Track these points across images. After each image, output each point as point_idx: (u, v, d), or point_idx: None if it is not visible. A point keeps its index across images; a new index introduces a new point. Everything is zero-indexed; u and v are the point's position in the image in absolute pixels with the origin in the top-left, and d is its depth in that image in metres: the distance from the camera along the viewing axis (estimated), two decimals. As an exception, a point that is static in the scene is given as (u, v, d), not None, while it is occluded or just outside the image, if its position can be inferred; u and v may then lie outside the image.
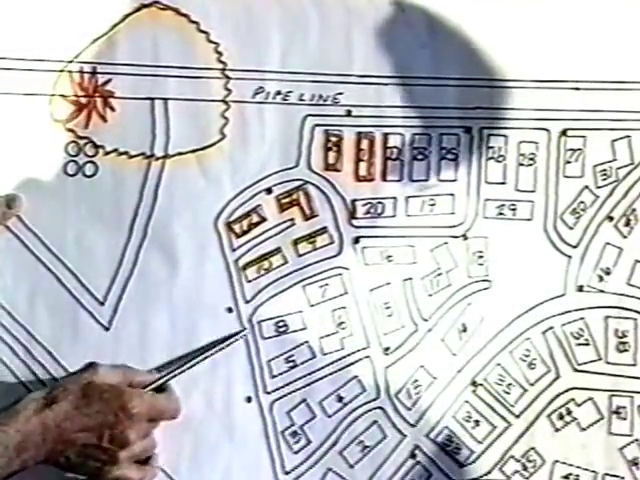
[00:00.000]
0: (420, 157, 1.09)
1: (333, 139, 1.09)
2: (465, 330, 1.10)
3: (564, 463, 1.10)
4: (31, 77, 1.07)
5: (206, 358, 1.07)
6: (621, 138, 1.09)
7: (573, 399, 1.10)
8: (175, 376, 1.07)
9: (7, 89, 1.07)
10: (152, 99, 1.08)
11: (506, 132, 1.09)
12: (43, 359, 1.08)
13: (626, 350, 1.10)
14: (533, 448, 1.10)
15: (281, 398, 1.10)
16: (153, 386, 1.06)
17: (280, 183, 1.09)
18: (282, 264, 1.09)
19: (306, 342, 1.09)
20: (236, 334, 1.08)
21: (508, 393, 1.10)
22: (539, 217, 1.10)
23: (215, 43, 1.08)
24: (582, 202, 1.09)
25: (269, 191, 1.09)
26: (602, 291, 1.10)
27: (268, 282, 1.09)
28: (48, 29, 1.07)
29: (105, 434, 1.01)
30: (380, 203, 1.09)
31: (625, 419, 1.10)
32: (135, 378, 1.06)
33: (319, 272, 1.10)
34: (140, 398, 1.03)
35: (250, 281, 1.09)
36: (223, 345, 1.08)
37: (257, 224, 1.09)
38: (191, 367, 1.07)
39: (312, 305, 1.10)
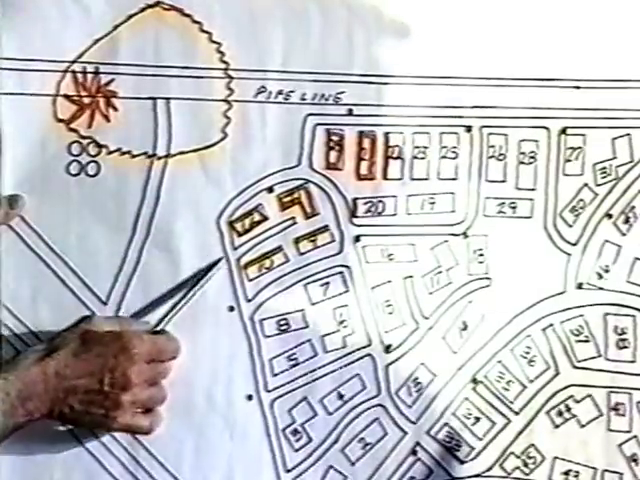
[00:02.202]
0: (421, 156, 1.10)
1: (334, 138, 1.09)
2: (466, 328, 1.10)
3: (564, 459, 1.10)
4: (34, 77, 1.07)
5: (194, 294, 1.07)
6: (621, 136, 1.09)
7: (572, 396, 1.10)
8: (170, 319, 1.07)
9: (10, 89, 1.07)
10: (155, 99, 1.08)
11: (506, 130, 1.10)
12: (47, 359, 1.08)
13: (626, 347, 1.10)
14: (533, 445, 1.10)
15: (282, 396, 1.10)
16: (150, 330, 1.07)
17: (281, 182, 1.09)
18: (283, 262, 1.10)
19: (308, 340, 1.09)
20: (214, 264, 1.08)
21: (508, 390, 1.10)
22: (539, 215, 1.10)
23: (217, 43, 1.08)
24: (581, 200, 1.10)
25: (270, 190, 1.09)
26: (601, 288, 1.10)
27: (269, 281, 1.10)
28: (51, 29, 1.07)
29: (106, 378, 1.01)
30: (381, 202, 1.10)
31: (624, 415, 1.10)
32: (131, 326, 1.06)
33: (320, 270, 1.10)
34: (139, 338, 1.04)
35: (251, 280, 1.09)
36: (206, 277, 1.08)
37: (259, 223, 1.09)
38: (183, 307, 1.07)
39: (313, 303, 1.10)
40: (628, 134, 1.09)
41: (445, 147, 1.10)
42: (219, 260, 1.08)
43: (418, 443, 1.10)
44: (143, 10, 1.08)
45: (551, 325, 1.10)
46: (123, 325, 1.06)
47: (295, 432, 1.10)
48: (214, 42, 1.08)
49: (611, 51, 1.09)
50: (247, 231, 1.09)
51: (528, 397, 1.10)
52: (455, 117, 1.09)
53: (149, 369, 1.04)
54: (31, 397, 0.99)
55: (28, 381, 0.99)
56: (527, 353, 1.10)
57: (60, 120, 1.08)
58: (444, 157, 1.10)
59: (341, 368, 1.10)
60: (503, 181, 1.10)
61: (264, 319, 1.09)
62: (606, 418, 1.10)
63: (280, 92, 1.09)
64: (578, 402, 1.10)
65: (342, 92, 1.09)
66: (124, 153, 1.08)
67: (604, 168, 1.10)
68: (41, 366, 1.00)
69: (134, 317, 1.08)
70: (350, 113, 1.09)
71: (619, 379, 1.10)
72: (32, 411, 1.00)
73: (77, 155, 1.08)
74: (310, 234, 1.10)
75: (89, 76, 1.08)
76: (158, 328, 1.07)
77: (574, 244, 1.10)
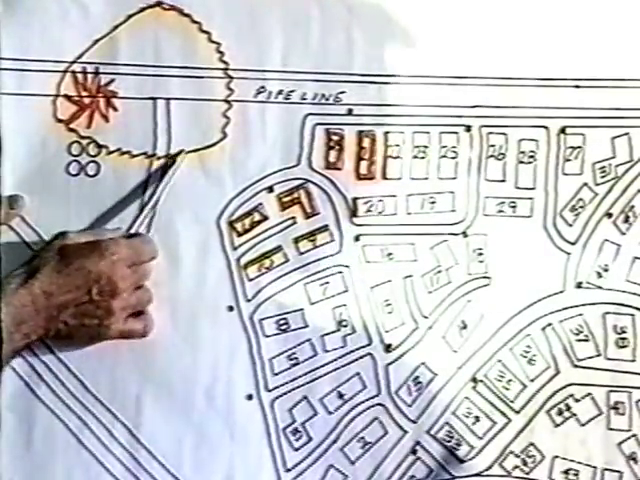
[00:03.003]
0: (420, 155, 1.10)
1: (334, 138, 1.09)
2: (465, 327, 1.10)
3: (563, 458, 1.10)
4: (34, 77, 1.07)
5: (162, 192, 1.07)
6: (620, 135, 1.10)
7: (572, 395, 1.10)
8: (142, 221, 1.07)
9: (10, 89, 1.07)
10: (154, 99, 1.08)
11: (506, 130, 1.10)
12: (47, 359, 1.08)
13: (625, 346, 1.10)
14: (532, 444, 1.11)
15: (282, 395, 1.10)
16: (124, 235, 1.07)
17: (281, 182, 1.09)
18: (283, 262, 1.10)
19: (307, 340, 1.10)
20: (175, 156, 1.08)
21: (508, 389, 1.10)
22: (539, 214, 1.10)
23: (217, 43, 1.08)
24: (581, 199, 1.10)
25: (270, 190, 1.09)
26: (600, 287, 1.10)
27: (269, 280, 1.10)
28: (51, 29, 1.07)
29: (93, 287, 1.02)
30: (381, 201, 1.10)
31: (623, 414, 1.10)
32: (106, 235, 1.06)
33: (320, 270, 1.10)
34: (116, 244, 1.04)
35: (251, 279, 1.10)
36: (170, 173, 1.08)
37: (258, 222, 1.09)
38: (154, 207, 1.07)
39: (313, 303, 1.10)
40: (627, 133, 1.09)
41: (445, 147, 1.10)
42: (180, 152, 1.08)
43: (418, 442, 1.10)
44: (142, 10, 1.08)
45: (550, 324, 1.10)
46: (97, 235, 1.06)
47: (295, 431, 1.10)
48: (214, 42, 1.08)
49: (611, 51, 1.09)
50: (247, 231, 1.09)
51: (528, 396, 1.11)
52: (455, 117, 1.09)
53: (132, 272, 1.05)
54: (25, 320, 1.00)
55: (18, 305, 0.99)
56: (527, 352, 1.10)
57: (60, 120, 1.08)
58: (444, 156, 1.10)
59: (341, 367, 1.10)
60: (503, 180, 1.10)
61: (264, 319, 1.09)
62: (606, 417, 1.10)
63: (280, 92, 1.09)
64: (578, 401, 1.10)
65: (342, 92, 1.09)
66: (124, 153, 1.08)
67: (603, 167, 1.10)
68: (27, 288, 1.00)
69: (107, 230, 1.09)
70: (350, 113, 1.09)
71: (619, 378, 1.10)
72: (29, 333, 1.01)
73: (77, 155, 1.08)
74: (310, 234, 1.10)
75: (89, 76, 1.08)
76: (132, 231, 1.07)
77: (574, 243, 1.10)
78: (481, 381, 1.10)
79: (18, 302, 0.99)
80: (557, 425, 1.10)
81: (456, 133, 1.10)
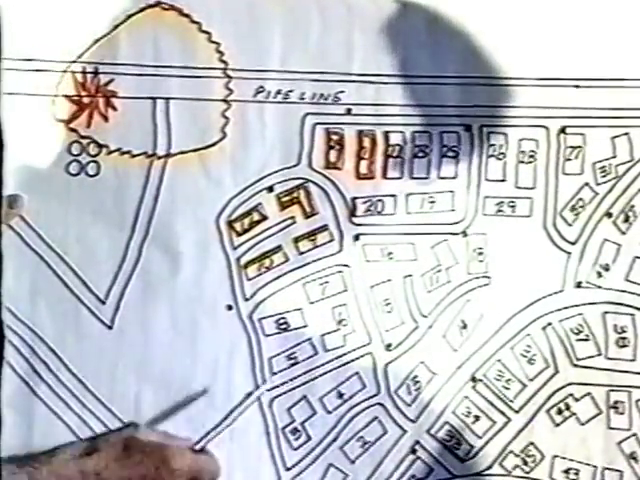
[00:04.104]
0: (421, 155, 1.10)
1: (334, 137, 1.09)
2: (465, 327, 1.10)
3: (563, 458, 1.10)
4: (34, 77, 1.07)
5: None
6: (620, 135, 1.10)
7: (572, 394, 1.10)
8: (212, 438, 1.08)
9: (10, 89, 1.07)
10: (154, 99, 1.08)
11: (506, 130, 1.10)
12: (47, 358, 1.08)
13: (625, 346, 1.10)
14: (532, 443, 1.10)
15: (281, 395, 1.10)
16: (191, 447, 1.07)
17: (281, 181, 1.09)
18: (283, 262, 1.10)
19: (307, 339, 1.10)
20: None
21: (507, 389, 1.10)
22: (538, 214, 1.10)
23: (216, 43, 1.08)
24: (581, 199, 1.10)
25: (270, 189, 1.09)
26: (600, 287, 1.10)
27: (269, 280, 1.10)
28: (50, 29, 1.07)
29: None
30: (380, 201, 1.10)
31: (623, 414, 1.10)
32: (174, 441, 1.06)
33: (319, 269, 1.10)
34: (182, 454, 1.04)
35: (251, 279, 1.10)
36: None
37: (258, 222, 1.09)
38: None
39: (312, 302, 1.10)
40: (627, 133, 1.09)
41: (445, 146, 1.10)
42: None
43: (418, 442, 1.10)
44: (142, 10, 1.08)
45: (550, 324, 1.10)
46: (167, 439, 1.06)
47: (294, 431, 1.10)
48: (213, 42, 1.08)
49: (611, 51, 1.08)
50: (246, 230, 1.09)
51: (528, 396, 1.10)
52: (455, 116, 1.09)
53: None
54: None
55: (63, 476, 0.99)
56: (527, 352, 1.10)
57: (60, 120, 1.08)
58: (444, 156, 1.10)
59: (340, 367, 1.10)
60: (503, 180, 1.10)
61: (263, 318, 1.10)
62: (606, 416, 1.10)
63: (279, 92, 1.09)
64: (578, 400, 1.10)
65: (341, 91, 1.09)
66: (124, 153, 1.09)
67: (604, 167, 1.10)
68: (79, 464, 1.00)
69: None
70: (349, 112, 1.09)
71: (619, 377, 1.10)
72: None
73: (77, 155, 1.08)
74: (309, 233, 1.10)
75: (89, 76, 1.08)
76: (201, 445, 1.08)
77: (573, 243, 1.10)
78: (480, 380, 1.10)
79: (65, 474, 0.99)
80: (557, 424, 1.10)
81: (456, 133, 1.10)
